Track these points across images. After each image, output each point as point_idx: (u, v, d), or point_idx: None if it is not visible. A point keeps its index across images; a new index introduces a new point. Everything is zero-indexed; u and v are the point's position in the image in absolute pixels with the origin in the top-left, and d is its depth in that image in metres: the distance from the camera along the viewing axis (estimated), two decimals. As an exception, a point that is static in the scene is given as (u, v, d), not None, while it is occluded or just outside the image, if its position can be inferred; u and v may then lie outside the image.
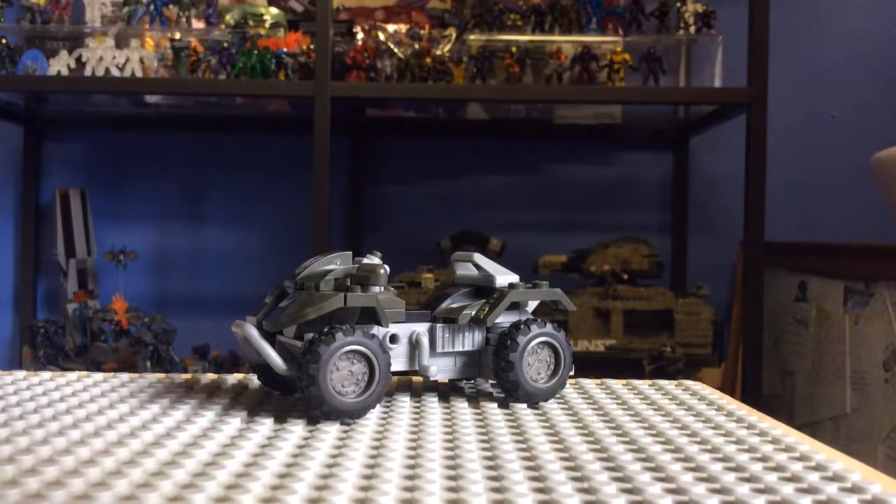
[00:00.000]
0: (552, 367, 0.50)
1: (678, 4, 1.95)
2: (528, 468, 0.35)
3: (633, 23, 1.96)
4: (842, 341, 1.71)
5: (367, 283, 0.46)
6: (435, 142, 2.31)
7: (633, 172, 2.30)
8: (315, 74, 1.75)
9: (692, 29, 1.95)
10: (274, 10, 1.97)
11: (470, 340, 0.50)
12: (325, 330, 0.43)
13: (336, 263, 0.47)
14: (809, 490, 0.33)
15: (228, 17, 1.92)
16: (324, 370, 0.42)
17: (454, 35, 1.93)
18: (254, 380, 0.53)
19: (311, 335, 0.44)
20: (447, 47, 1.91)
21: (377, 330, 0.46)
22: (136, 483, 0.32)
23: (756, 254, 1.75)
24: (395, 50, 1.88)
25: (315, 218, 1.73)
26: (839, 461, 0.37)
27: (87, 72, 1.80)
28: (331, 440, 0.39)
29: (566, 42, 1.93)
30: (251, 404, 0.46)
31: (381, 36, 1.90)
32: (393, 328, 0.47)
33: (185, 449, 0.37)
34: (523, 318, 0.51)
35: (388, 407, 0.47)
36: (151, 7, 1.89)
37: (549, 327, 0.50)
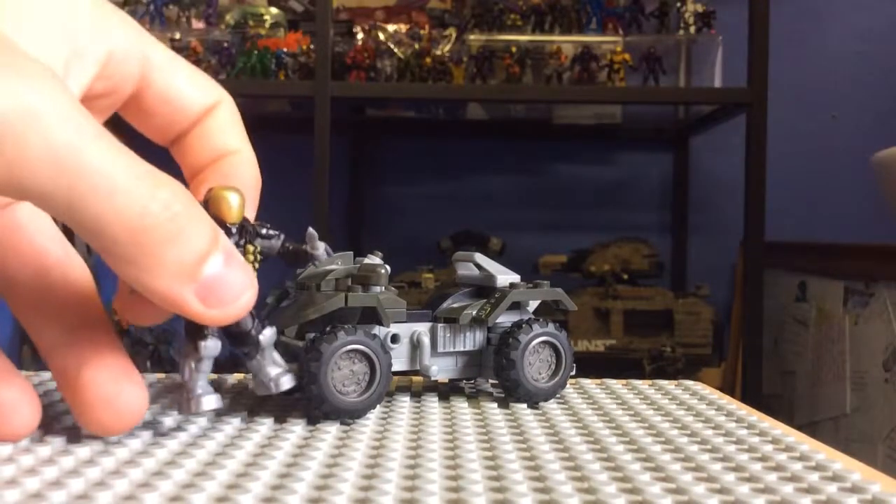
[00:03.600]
0: (553, 366, 0.50)
1: (678, 4, 1.95)
2: (528, 468, 0.35)
3: (633, 23, 1.96)
4: (842, 341, 1.71)
5: (368, 283, 0.46)
6: (435, 142, 2.31)
7: (633, 172, 2.31)
8: (315, 74, 1.76)
9: (692, 29, 1.95)
10: (274, 10, 1.97)
11: (471, 340, 0.50)
12: (327, 329, 0.43)
13: (337, 263, 0.47)
14: (809, 490, 0.33)
15: (228, 17, 1.92)
16: (325, 368, 0.42)
17: (454, 35, 1.93)
18: (254, 380, 0.53)
19: (312, 334, 0.44)
20: (447, 47, 1.91)
21: (378, 330, 0.46)
22: (136, 483, 0.32)
23: (756, 254, 1.75)
24: (395, 50, 1.88)
25: (315, 218, 1.73)
26: (839, 461, 0.36)
27: (87, 72, 1.80)
28: (331, 440, 0.39)
29: (566, 42, 1.93)
30: (251, 404, 0.46)
31: (381, 36, 1.90)
32: (394, 328, 0.47)
33: (185, 449, 0.37)
34: (524, 317, 0.51)
35: (388, 407, 0.47)
36: (151, 7, 1.89)
37: (550, 327, 0.50)
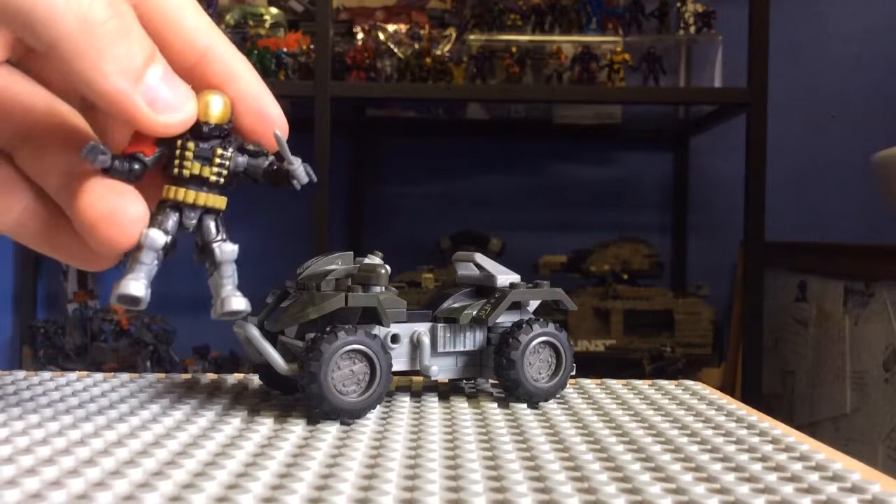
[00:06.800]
0: (553, 366, 0.50)
1: (678, 4, 1.95)
2: (528, 468, 0.35)
3: (633, 23, 1.96)
4: (842, 341, 1.71)
5: (369, 283, 0.46)
6: (435, 142, 2.31)
7: (633, 172, 2.30)
8: (315, 74, 1.75)
9: (692, 29, 1.95)
10: (274, 10, 1.97)
11: (471, 340, 0.50)
12: (328, 329, 0.43)
13: (337, 263, 0.47)
14: (809, 490, 0.33)
15: (228, 17, 1.92)
16: (325, 368, 0.42)
17: (454, 35, 1.93)
18: (254, 380, 0.53)
19: (312, 334, 0.44)
20: (447, 47, 1.91)
21: (378, 330, 0.46)
22: (136, 483, 0.32)
23: (756, 254, 1.75)
24: (395, 50, 1.88)
25: (315, 218, 1.73)
26: (839, 461, 0.37)
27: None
28: (331, 440, 0.39)
29: (566, 42, 1.93)
30: (251, 404, 0.46)
31: (381, 36, 1.90)
32: (394, 328, 0.47)
33: (185, 449, 0.37)
34: (525, 317, 0.51)
35: (388, 407, 0.47)
36: (151, 7, 1.88)
37: (551, 327, 0.50)
